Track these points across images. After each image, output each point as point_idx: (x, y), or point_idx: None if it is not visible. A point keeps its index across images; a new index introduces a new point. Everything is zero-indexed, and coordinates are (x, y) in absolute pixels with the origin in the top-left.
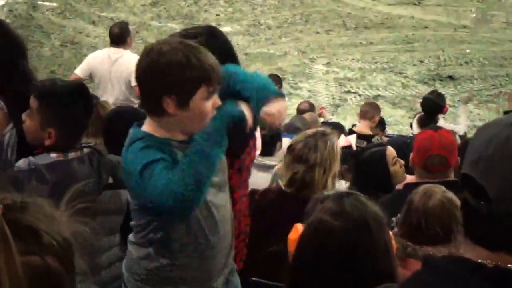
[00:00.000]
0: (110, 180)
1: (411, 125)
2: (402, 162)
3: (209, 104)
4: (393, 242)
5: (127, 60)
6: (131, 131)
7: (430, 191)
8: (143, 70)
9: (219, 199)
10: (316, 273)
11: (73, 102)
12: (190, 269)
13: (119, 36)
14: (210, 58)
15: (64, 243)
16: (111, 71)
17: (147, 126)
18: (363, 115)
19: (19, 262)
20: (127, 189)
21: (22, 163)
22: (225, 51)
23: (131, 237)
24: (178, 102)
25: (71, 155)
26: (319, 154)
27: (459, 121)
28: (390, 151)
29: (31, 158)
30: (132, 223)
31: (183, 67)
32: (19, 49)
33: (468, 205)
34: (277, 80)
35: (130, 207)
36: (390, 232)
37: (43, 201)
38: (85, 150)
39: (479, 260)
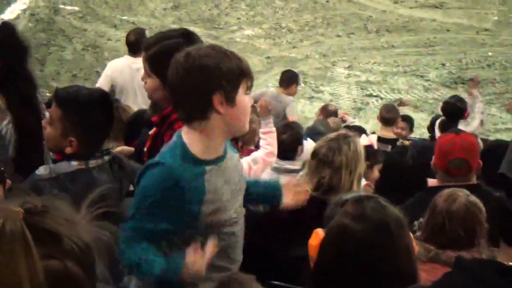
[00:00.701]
0: (131, 188)
1: (428, 129)
2: None
3: (250, 99)
4: (414, 244)
5: None
6: (175, 137)
7: (455, 195)
8: (184, 75)
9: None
10: (339, 277)
11: (95, 110)
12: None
13: (135, 44)
14: (240, 56)
15: (85, 247)
16: (134, 81)
17: (186, 135)
18: (385, 122)
19: (40, 266)
20: None
21: (43, 170)
22: None
23: None
24: (226, 98)
25: (92, 163)
26: (344, 156)
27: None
28: None
29: (51, 165)
30: None
31: (223, 62)
32: (22, 52)
33: (503, 206)
34: (293, 76)
35: None
36: (411, 235)
37: (63, 205)
38: (106, 157)
39: (511, 263)
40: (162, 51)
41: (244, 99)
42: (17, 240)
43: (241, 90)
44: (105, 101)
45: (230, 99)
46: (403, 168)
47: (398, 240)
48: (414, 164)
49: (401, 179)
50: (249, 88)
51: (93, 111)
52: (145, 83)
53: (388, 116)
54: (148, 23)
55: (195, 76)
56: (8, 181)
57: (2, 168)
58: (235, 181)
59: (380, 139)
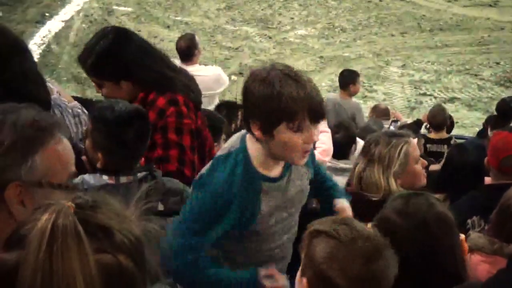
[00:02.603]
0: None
1: (478, 133)
2: None
3: (297, 137)
4: (464, 244)
5: (201, 80)
6: (236, 137)
7: None
8: (243, 89)
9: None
10: None
11: (123, 129)
12: None
13: (187, 51)
14: (301, 93)
15: (136, 241)
16: None
17: (249, 142)
18: (439, 126)
19: (93, 260)
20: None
21: (77, 181)
22: (135, 52)
23: None
24: (262, 129)
25: (123, 179)
26: (378, 149)
27: None
28: None
29: (85, 177)
30: None
31: (266, 98)
32: (14, 49)
33: None
34: (348, 76)
35: None
36: (462, 235)
37: (113, 200)
38: (139, 174)
39: None
40: (98, 58)
41: (286, 136)
42: (69, 234)
43: (281, 128)
44: (139, 118)
45: (266, 132)
46: (463, 166)
47: (441, 238)
48: (472, 162)
49: (461, 177)
50: (297, 127)
51: (120, 129)
52: (102, 95)
53: (438, 120)
54: (201, 24)
55: (243, 99)
56: None
57: None
58: (291, 204)
59: (433, 141)
